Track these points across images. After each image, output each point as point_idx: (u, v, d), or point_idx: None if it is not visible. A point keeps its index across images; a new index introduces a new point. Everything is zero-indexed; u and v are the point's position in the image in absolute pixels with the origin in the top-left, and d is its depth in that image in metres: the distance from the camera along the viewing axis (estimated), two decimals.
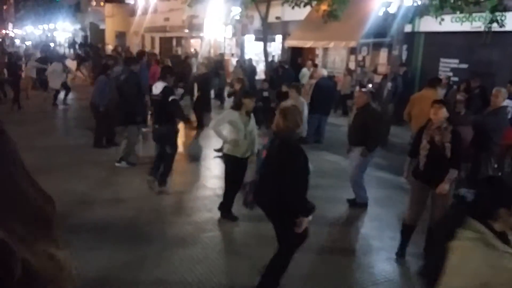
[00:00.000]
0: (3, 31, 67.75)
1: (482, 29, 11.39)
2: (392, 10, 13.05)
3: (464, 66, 13.13)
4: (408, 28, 13.98)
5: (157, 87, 7.07)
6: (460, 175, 5.01)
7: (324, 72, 12.03)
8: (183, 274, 4.69)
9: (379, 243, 5.70)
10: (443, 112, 4.85)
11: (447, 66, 13.73)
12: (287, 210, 4.04)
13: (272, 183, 4.07)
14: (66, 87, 15.42)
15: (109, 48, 21.81)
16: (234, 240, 5.74)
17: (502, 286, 2.15)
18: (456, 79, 12.93)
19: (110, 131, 9.69)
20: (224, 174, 6.18)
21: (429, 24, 13.31)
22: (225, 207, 6.13)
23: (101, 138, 9.64)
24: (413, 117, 7.76)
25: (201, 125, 10.80)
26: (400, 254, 5.21)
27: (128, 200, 6.77)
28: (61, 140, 10.51)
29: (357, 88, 10.61)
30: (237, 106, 6.01)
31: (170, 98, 6.94)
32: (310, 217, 4.05)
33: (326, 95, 10.81)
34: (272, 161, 4.13)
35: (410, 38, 14.29)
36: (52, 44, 40.69)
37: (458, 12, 11.41)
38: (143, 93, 8.80)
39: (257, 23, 19.69)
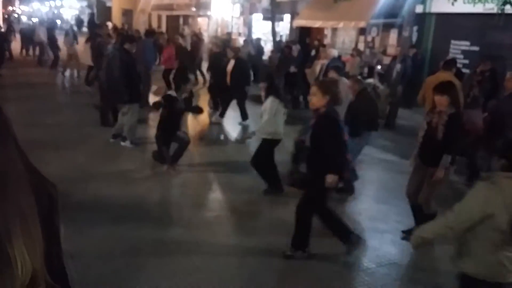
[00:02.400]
0: (10, 8, 67.45)
1: (494, 11, 11.15)
2: None
3: (476, 48, 12.90)
4: (419, 9, 13.74)
5: None
6: (454, 159, 4.96)
7: (335, 53, 11.82)
8: (187, 255, 4.69)
9: (384, 225, 5.68)
10: (446, 100, 4.88)
11: (458, 48, 13.50)
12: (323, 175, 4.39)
13: (317, 159, 4.45)
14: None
15: (109, 26, 21.59)
16: (241, 219, 5.72)
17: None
18: (466, 61, 12.73)
19: (114, 109, 9.61)
20: (264, 158, 6.31)
21: (440, 5, 13.06)
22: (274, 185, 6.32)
23: (107, 116, 9.59)
24: (428, 100, 7.63)
25: (216, 107, 10.72)
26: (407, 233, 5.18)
27: (133, 178, 6.77)
28: (67, 117, 10.48)
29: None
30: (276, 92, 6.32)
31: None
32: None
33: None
34: (317, 140, 4.44)
35: (421, 19, 14.05)
36: (58, 22, 40.51)
37: None
38: (136, 72, 8.49)
39: (265, 1, 19.44)
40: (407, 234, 5.11)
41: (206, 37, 22.78)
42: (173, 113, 6.89)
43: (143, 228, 5.13)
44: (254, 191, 6.35)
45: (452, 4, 11.21)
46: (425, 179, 5.08)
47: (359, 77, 8.13)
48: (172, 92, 7.07)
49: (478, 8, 11.76)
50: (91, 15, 34.30)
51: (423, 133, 5.11)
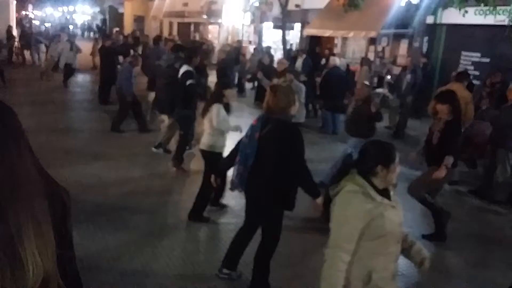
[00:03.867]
0: (23, 12, 68.29)
1: (506, 22, 11.16)
2: (415, 0, 12.87)
3: (486, 60, 12.88)
4: (430, 20, 13.77)
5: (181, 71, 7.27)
6: (456, 162, 5.38)
7: (337, 61, 11.88)
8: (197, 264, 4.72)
9: None
10: (447, 108, 5.25)
11: (468, 59, 13.48)
12: (281, 197, 3.90)
13: (267, 167, 3.82)
14: (69, 68, 14.90)
15: (115, 31, 21.86)
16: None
17: (378, 231, 2.54)
18: (477, 73, 12.71)
19: (141, 118, 9.73)
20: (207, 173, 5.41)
21: (451, 16, 13.07)
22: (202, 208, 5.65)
23: (120, 123, 9.68)
24: None
25: None
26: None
27: (144, 184, 6.82)
28: (78, 122, 10.59)
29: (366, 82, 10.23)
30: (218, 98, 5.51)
31: (188, 82, 6.99)
32: (320, 199, 3.79)
33: (335, 85, 10.70)
34: (268, 144, 3.83)
35: (432, 30, 14.07)
36: (71, 27, 40.96)
37: (482, 5, 11.21)
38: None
39: (276, 10, 19.54)
40: (427, 239, 5.30)
41: (216, 45, 22.94)
42: None
43: (150, 234, 5.17)
44: None
45: (463, 15, 11.24)
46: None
47: (366, 83, 8.27)
48: None
49: (489, 20, 11.78)
50: (103, 21, 34.63)
51: (425, 138, 5.65)
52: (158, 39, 14.17)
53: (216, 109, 5.36)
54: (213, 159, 5.31)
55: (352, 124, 6.93)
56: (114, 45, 13.85)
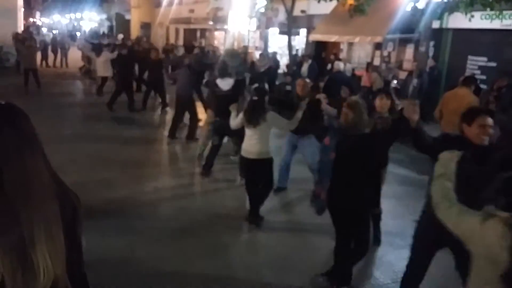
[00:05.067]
0: (30, 19, 68.88)
1: None
2: (420, 5, 12.84)
3: (493, 64, 12.85)
4: (436, 24, 13.75)
5: (225, 83, 7.45)
6: None
7: (340, 66, 11.91)
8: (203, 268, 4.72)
9: (401, 241, 5.64)
10: (387, 104, 5.23)
11: (475, 64, 13.45)
12: (367, 205, 4.28)
13: (355, 180, 4.02)
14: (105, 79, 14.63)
15: (119, 37, 22.04)
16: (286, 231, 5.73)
17: None
18: (483, 77, 12.67)
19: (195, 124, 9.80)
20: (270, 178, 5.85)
21: (457, 21, 13.06)
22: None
23: (176, 129, 9.80)
24: (445, 115, 7.62)
25: None
26: None
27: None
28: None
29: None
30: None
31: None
32: None
33: (337, 88, 10.68)
34: (351, 158, 3.99)
35: (438, 34, 14.05)
36: (78, 34, 41.25)
37: (488, 9, 11.18)
38: None
39: (281, 16, 19.58)
40: None
41: (222, 51, 23.01)
42: None
43: (160, 240, 5.19)
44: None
45: (469, 19, 11.21)
46: None
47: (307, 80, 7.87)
48: None
49: (496, 24, 11.75)
50: (110, 28, 34.87)
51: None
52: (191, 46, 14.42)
53: (275, 115, 5.60)
54: (269, 164, 5.65)
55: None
56: (131, 53, 13.92)
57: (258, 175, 5.69)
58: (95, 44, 18.16)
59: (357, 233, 4.26)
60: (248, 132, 5.61)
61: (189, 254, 4.93)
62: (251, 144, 5.56)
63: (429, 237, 3.63)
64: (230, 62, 10.09)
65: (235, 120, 5.81)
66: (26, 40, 16.84)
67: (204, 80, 10.33)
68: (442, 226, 2.33)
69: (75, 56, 21.02)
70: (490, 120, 3.36)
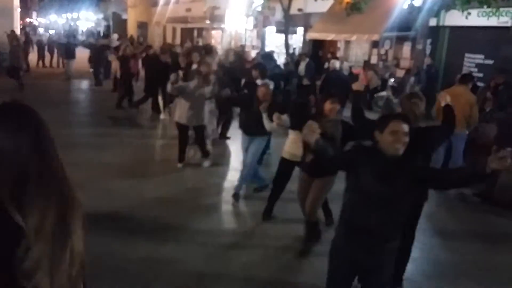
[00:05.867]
0: (27, 20, 68.71)
1: (509, 24, 11.16)
2: (417, 3, 12.86)
3: (490, 62, 12.86)
4: (433, 22, 13.77)
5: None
6: None
7: (336, 65, 11.91)
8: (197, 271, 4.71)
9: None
10: (336, 108, 4.76)
11: (472, 61, 13.46)
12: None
13: None
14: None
15: (114, 37, 21.93)
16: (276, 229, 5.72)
17: None
18: (480, 75, 12.68)
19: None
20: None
21: (454, 18, 13.06)
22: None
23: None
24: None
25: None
26: None
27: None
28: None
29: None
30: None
31: None
32: None
33: (333, 87, 10.68)
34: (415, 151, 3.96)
35: (435, 32, 14.07)
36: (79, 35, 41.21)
37: (485, 7, 11.18)
38: None
39: (278, 14, 19.58)
40: None
41: (219, 50, 23.01)
42: None
43: (159, 243, 5.16)
44: None
45: (466, 17, 11.22)
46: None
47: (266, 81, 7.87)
48: None
49: (492, 22, 11.76)
50: (107, 27, 34.82)
51: None
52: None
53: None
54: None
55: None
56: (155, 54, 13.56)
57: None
58: (92, 46, 18.23)
59: (411, 229, 4.34)
60: (293, 134, 5.53)
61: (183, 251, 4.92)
62: (297, 147, 5.32)
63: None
64: (267, 64, 10.21)
65: (272, 124, 5.66)
66: (15, 38, 16.85)
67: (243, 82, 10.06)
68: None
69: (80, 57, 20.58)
70: (405, 126, 2.89)
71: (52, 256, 1.34)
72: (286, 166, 5.68)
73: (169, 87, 7.27)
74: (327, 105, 4.73)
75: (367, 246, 2.96)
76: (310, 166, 4.74)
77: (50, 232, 1.34)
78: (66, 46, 18.60)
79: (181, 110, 7.47)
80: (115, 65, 14.05)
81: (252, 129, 6.29)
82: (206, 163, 7.90)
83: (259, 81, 7.80)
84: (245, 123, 6.48)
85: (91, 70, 17.77)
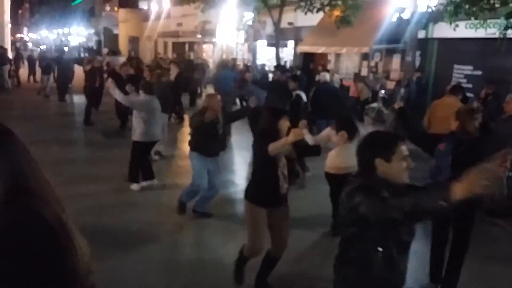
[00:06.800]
0: (18, 35, 68.63)
1: (496, 35, 11.28)
2: (405, 16, 13.01)
3: (478, 73, 13.00)
4: (421, 34, 13.92)
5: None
6: None
7: (327, 77, 11.99)
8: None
9: None
10: (287, 125, 4.18)
11: (461, 72, 13.60)
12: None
13: None
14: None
15: (104, 52, 21.96)
16: None
17: None
18: (469, 85, 12.80)
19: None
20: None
21: (443, 30, 13.22)
22: None
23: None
24: (433, 124, 7.66)
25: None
26: None
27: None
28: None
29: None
30: None
31: None
32: None
33: (324, 99, 10.70)
34: (468, 161, 3.97)
35: (424, 44, 14.21)
36: (66, 48, 41.17)
37: (472, 19, 11.32)
38: None
39: (269, 28, 19.72)
40: None
41: (211, 63, 23.11)
42: None
43: (152, 255, 5.12)
44: None
45: (454, 29, 11.35)
46: None
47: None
48: None
49: (480, 33, 11.90)
50: (98, 42, 34.86)
51: None
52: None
53: None
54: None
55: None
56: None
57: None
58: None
59: (465, 233, 4.51)
60: (344, 146, 5.45)
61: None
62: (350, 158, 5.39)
63: None
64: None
65: (318, 137, 5.77)
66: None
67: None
68: None
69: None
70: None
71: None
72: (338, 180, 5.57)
73: (118, 96, 7.09)
74: (282, 123, 4.07)
75: None
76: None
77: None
78: (50, 62, 17.91)
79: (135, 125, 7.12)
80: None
81: (217, 149, 6.12)
82: (135, 186, 7.17)
83: (298, 92, 8.50)
84: (212, 145, 5.96)
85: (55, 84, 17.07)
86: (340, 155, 5.49)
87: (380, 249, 2.45)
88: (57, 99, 16.17)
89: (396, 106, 5.06)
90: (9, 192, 1.28)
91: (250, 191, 4.17)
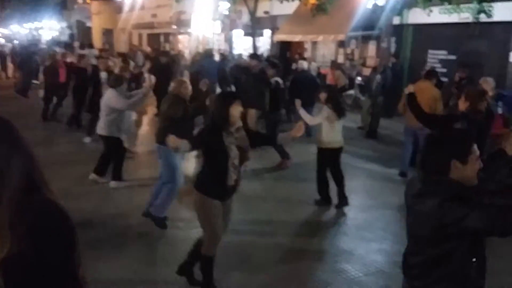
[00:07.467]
0: None
1: (470, 20, 11.42)
2: (380, 2, 13.06)
3: (453, 57, 13.14)
4: (396, 21, 14.00)
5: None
6: None
7: (304, 65, 12.01)
8: None
9: (370, 234, 5.68)
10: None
11: (435, 57, 13.74)
12: None
13: None
14: None
15: (75, 45, 21.61)
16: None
17: None
18: (444, 70, 12.94)
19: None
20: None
21: (417, 16, 13.32)
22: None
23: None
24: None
25: None
26: None
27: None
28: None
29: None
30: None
31: None
32: None
33: (302, 88, 10.71)
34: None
35: (399, 30, 14.30)
36: (43, 43, 40.32)
37: (446, 4, 11.45)
38: None
39: (245, 18, 19.61)
40: None
41: (187, 54, 22.87)
42: None
43: (153, 259, 5.06)
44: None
45: (428, 14, 11.46)
46: None
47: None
48: None
49: (454, 18, 12.02)
50: (71, 36, 34.19)
51: None
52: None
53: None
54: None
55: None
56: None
57: (336, 161, 6.40)
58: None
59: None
60: (332, 124, 6.15)
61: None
62: (337, 135, 6.24)
63: None
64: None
65: (316, 118, 6.40)
66: None
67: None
68: None
69: None
70: None
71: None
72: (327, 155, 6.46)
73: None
74: (234, 109, 3.78)
75: None
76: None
77: None
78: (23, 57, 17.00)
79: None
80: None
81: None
82: (113, 183, 6.93)
83: (276, 78, 8.94)
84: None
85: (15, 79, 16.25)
86: (333, 131, 6.18)
87: (474, 259, 2.32)
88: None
89: (407, 91, 5.37)
90: (26, 187, 1.33)
91: (201, 182, 3.95)
